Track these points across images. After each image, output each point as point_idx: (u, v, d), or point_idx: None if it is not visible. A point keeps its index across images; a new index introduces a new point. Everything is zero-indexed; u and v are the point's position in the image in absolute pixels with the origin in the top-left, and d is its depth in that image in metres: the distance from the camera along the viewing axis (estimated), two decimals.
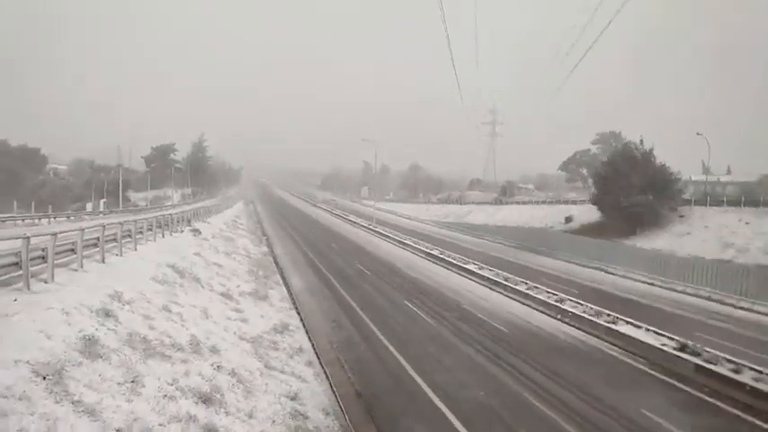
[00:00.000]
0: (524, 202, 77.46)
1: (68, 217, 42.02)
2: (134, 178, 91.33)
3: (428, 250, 39.93)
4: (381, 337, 17.73)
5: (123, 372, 8.64)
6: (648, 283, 30.59)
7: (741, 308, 24.65)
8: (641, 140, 47.02)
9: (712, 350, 15.51)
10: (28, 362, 7.32)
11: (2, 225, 30.48)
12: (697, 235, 40.01)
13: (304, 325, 18.73)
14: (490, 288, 27.03)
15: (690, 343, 16.03)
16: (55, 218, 39.37)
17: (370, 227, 59.13)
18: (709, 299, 26.55)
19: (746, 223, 38.47)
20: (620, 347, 17.41)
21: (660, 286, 29.74)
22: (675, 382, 14.42)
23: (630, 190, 43.32)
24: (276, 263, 32.88)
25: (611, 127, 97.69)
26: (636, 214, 43.81)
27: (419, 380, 13.84)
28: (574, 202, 63.97)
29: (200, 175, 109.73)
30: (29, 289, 10.45)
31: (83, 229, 14.53)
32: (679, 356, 15.57)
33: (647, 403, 12.63)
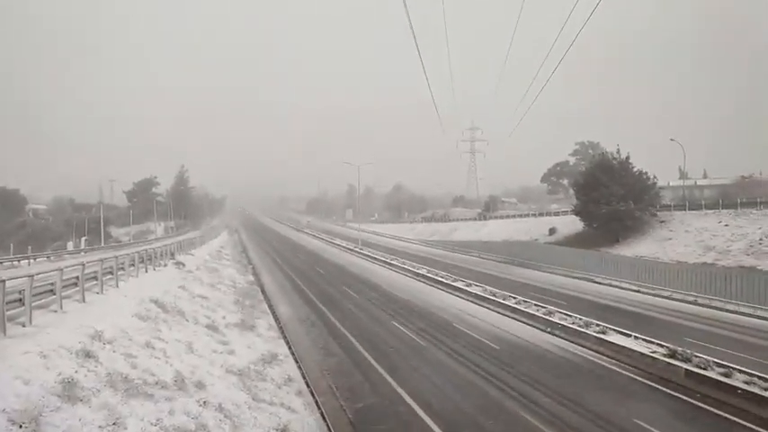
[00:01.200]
0: (508, 216, 78.08)
1: (48, 257, 41.20)
2: (116, 214, 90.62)
3: (415, 270, 39.88)
4: (372, 362, 17.50)
5: (104, 414, 8.38)
6: (635, 291, 30.81)
7: (727, 310, 24.89)
8: (618, 149, 47.91)
9: (702, 355, 15.59)
10: (3, 410, 7.08)
11: None
12: (679, 239, 40.58)
13: (293, 353, 18.46)
14: (479, 304, 26.97)
15: (679, 349, 16.10)
16: (35, 258, 38.57)
17: (356, 249, 58.96)
18: (695, 303, 26.78)
19: (726, 225, 39.20)
20: (610, 357, 17.40)
21: (646, 293, 29.98)
22: (667, 390, 14.40)
23: (610, 198, 43.95)
24: (263, 291, 32.54)
25: (590, 137, 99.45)
26: (617, 222, 44.39)
27: (412, 402, 13.63)
28: (556, 214, 64.63)
29: (183, 206, 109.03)
30: (5, 334, 10.18)
31: (61, 269, 14.28)
32: (670, 363, 15.61)
33: (639, 412, 12.58)
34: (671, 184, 65.88)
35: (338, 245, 68.49)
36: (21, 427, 6.95)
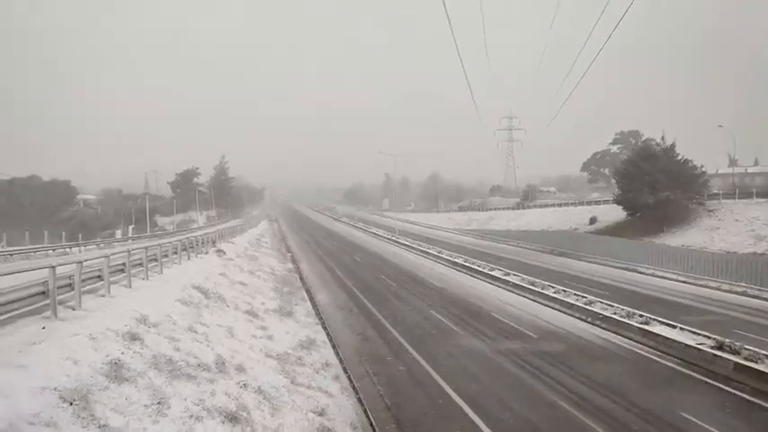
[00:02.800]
0: (547, 205, 76.59)
1: (98, 245, 42.99)
2: (160, 204, 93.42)
3: (452, 259, 39.66)
4: (409, 348, 17.55)
5: (149, 394, 8.69)
6: (680, 281, 29.81)
7: None
8: (662, 137, 46.30)
9: (752, 347, 14.95)
10: (55, 388, 7.40)
11: (33, 256, 31.30)
12: (727, 229, 38.95)
13: (330, 340, 18.68)
14: (517, 294, 26.63)
15: (727, 341, 15.47)
16: (85, 246, 40.35)
17: (393, 238, 59.07)
18: (744, 294, 25.71)
19: None
20: (654, 348, 16.90)
21: (692, 283, 28.95)
22: (714, 383, 13.89)
23: (654, 187, 42.52)
24: (301, 279, 33.01)
25: (631, 126, 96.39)
26: (662, 211, 42.94)
27: (448, 389, 13.62)
28: (597, 203, 63.09)
29: (224, 196, 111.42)
30: (56, 317, 10.63)
31: (108, 256, 14.79)
32: (717, 355, 15.03)
33: (685, 405, 12.19)
34: (720, 171, 63.29)
35: (375, 234, 68.77)
36: (71, 404, 7.26)
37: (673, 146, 45.48)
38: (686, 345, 16.15)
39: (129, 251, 17.01)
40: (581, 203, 68.40)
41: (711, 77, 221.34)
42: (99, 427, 7.05)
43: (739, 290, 26.34)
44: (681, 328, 17.64)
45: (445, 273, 35.15)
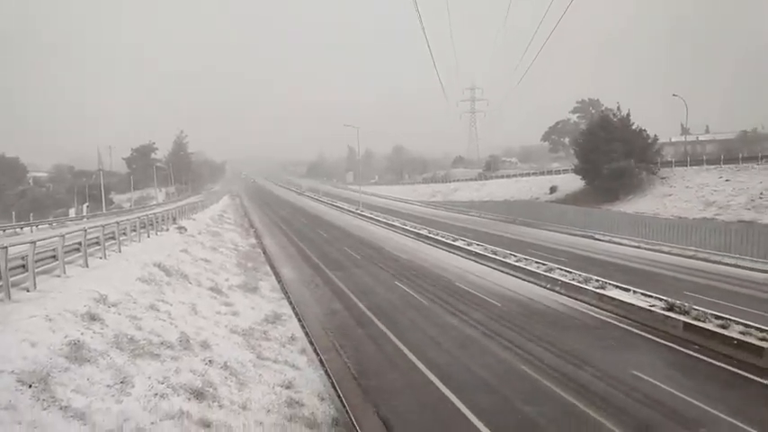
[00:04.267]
0: (509, 176, 77.87)
1: (51, 224, 41.49)
2: (116, 180, 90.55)
3: (416, 230, 40.04)
4: (374, 319, 17.77)
5: (112, 374, 8.58)
6: (634, 246, 31.02)
7: (726, 264, 25.11)
8: (618, 107, 47.41)
9: (700, 308, 15.74)
10: (12, 371, 7.24)
11: None
12: (679, 195, 40.53)
13: (296, 313, 18.71)
14: (480, 263, 27.19)
15: (678, 302, 16.24)
16: (37, 226, 38.88)
17: (357, 211, 59.08)
18: (694, 257, 26.97)
19: (726, 180, 39.03)
20: (609, 311, 17.63)
21: (646, 248, 30.19)
22: (665, 342, 14.64)
23: (611, 156, 43.69)
24: (265, 254, 32.77)
25: (591, 95, 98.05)
26: (617, 180, 44.26)
27: (415, 359, 13.89)
28: (557, 173, 64.49)
29: (184, 172, 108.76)
30: (10, 299, 10.31)
31: (63, 235, 14.33)
32: (668, 316, 15.79)
33: (636, 364, 12.82)
34: (672, 140, 65.35)
35: (339, 207, 68.61)
36: (30, 386, 7.11)
37: (628, 115, 46.65)
38: (639, 307, 16.91)
39: (84, 229, 16.49)
40: (542, 173, 69.78)
41: (669, 48, 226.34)
42: (60, 409, 6.94)
43: (689, 254, 27.61)
44: (634, 292, 18.42)
45: (410, 245, 35.49)
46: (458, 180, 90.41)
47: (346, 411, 10.89)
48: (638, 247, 30.69)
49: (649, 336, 15.24)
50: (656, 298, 17.38)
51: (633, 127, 46.26)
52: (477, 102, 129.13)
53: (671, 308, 16.10)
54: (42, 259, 13.55)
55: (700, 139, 71.50)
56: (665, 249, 29.18)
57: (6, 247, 10.58)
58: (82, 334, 9.48)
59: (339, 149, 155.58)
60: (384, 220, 48.91)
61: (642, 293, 18.16)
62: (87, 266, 15.29)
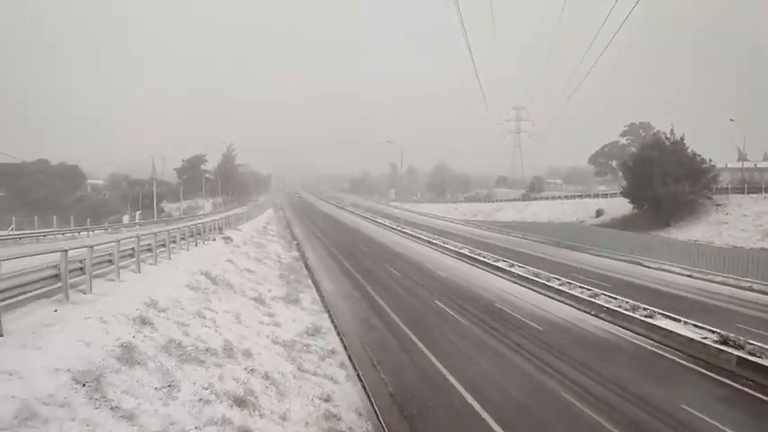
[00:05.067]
0: (553, 197, 76.49)
1: (106, 229, 43.32)
2: (167, 190, 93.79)
3: (457, 249, 39.73)
4: (413, 337, 17.71)
5: (160, 377, 8.87)
6: (686, 275, 29.78)
7: None
8: (672, 130, 45.99)
9: (756, 342, 14.97)
10: (68, 370, 7.58)
11: (43, 240, 31.62)
12: (735, 224, 38.84)
13: (335, 327, 18.86)
14: (522, 285, 26.72)
15: (731, 335, 15.52)
16: (93, 231, 40.66)
17: (399, 228, 59.18)
18: (750, 289, 25.68)
19: None
20: (658, 342, 16.98)
21: (698, 278, 28.92)
22: (717, 377, 13.98)
23: (663, 180, 42.34)
24: (307, 267, 33.21)
25: (641, 118, 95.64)
26: (669, 205, 42.81)
27: (452, 379, 13.75)
28: (604, 196, 62.97)
29: (231, 183, 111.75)
30: (68, 300, 10.81)
31: (118, 241, 14.97)
32: (721, 350, 15.08)
33: (686, 398, 12.27)
34: (729, 166, 62.81)
35: (381, 223, 68.89)
36: (84, 385, 7.42)
37: (682, 139, 45.20)
38: (690, 338, 16.21)
39: (138, 236, 17.17)
40: (587, 196, 68.27)
41: (722, 72, 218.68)
42: (111, 409, 7.22)
43: (745, 285, 26.31)
44: (685, 322, 17.68)
45: (450, 263, 35.25)
46: (500, 200, 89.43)
47: (382, 428, 10.88)
48: (690, 276, 29.45)
49: (700, 369, 14.58)
50: (708, 330, 16.63)
51: (687, 151, 44.75)
52: (522, 122, 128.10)
53: (724, 341, 15.39)
54: (99, 263, 14.17)
55: (758, 165, 68.47)
56: (719, 279, 27.88)
57: (66, 251, 11.15)
58: (133, 337, 9.85)
59: (381, 165, 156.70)
60: (425, 238, 48.80)
61: (693, 324, 17.41)
62: (140, 272, 15.89)
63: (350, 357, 15.54)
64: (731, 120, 52.82)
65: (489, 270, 31.58)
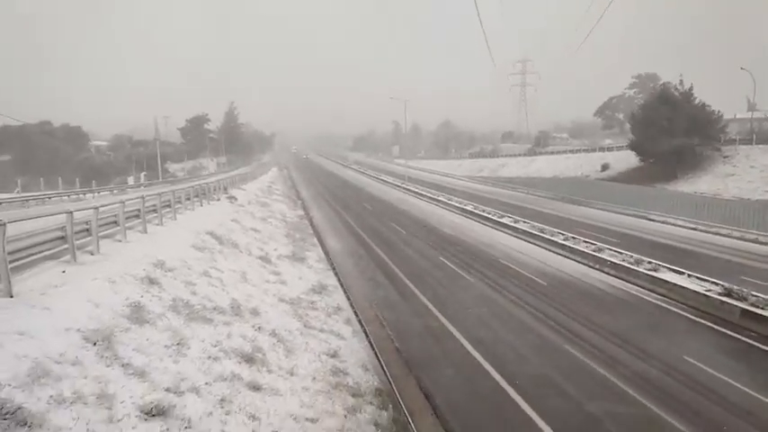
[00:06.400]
0: (559, 152, 75.67)
1: (111, 191, 43.41)
2: (171, 150, 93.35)
3: (462, 206, 39.71)
4: (418, 294, 17.89)
5: (169, 335, 9.02)
6: (691, 228, 29.74)
7: None
8: (681, 80, 44.95)
9: (760, 294, 15.04)
10: (78, 329, 7.70)
11: (48, 202, 31.75)
12: (743, 175, 38.51)
13: (341, 284, 19.06)
14: (527, 241, 26.79)
15: (735, 287, 15.58)
16: (99, 192, 40.77)
17: (403, 186, 59.03)
18: (756, 241, 25.65)
19: None
20: (662, 295, 17.11)
21: (704, 231, 28.90)
22: (721, 328, 14.12)
23: (671, 132, 41.71)
24: (312, 225, 33.34)
25: (648, 69, 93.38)
26: (676, 157, 42.36)
27: (457, 334, 13.96)
28: (610, 149, 62.34)
29: (234, 143, 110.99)
30: (75, 261, 10.90)
31: (123, 202, 14.98)
32: (724, 302, 15.18)
33: (690, 350, 12.43)
34: (738, 116, 61.58)
35: (385, 181, 68.70)
36: (95, 344, 7.56)
37: (691, 89, 44.24)
38: (694, 291, 16.31)
39: (143, 197, 17.18)
40: (593, 150, 67.55)
41: (731, 19, 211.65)
42: (122, 366, 7.37)
43: (751, 237, 26.27)
44: (689, 275, 17.75)
45: (455, 220, 35.29)
46: (505, 156, 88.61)
47: (389, 382, 11.12)
48: (695, 229, 29.40)
49: (704, 321, 14.73)
50: (712, 282, 16.70)
51: (696, 102, 43.86)
52: (528, 75, 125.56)
53: (728, 293, 15.49)
54: (105, 224, 14.24)
55: None
56: (724, 232, 27.82)
57: (72, 212, 11.16)
58: (141, 297, 9.98)
59: (386, 122, 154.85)
60: (429, 195, 48.71)
61: (697, 277, 17.47)
62: (146, 232, 15.98)
63: (356, 314, 15.76)
64: (742, 68, 51.36)
65: (494, 226, 31.61)
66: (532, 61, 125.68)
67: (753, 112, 59.06)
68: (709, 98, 44.68)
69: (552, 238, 25.42)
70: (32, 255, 10.28)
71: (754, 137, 45.86)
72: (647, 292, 17.63)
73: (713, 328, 14.18)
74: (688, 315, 15.31)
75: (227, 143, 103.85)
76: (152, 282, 11.02)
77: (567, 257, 22.83)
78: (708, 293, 15.87)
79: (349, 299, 17.29)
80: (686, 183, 41.26)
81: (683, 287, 16.79)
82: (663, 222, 32.06)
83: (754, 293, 15.04)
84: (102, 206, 14.01)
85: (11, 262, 8.82)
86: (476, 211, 36.41)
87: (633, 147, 47.96)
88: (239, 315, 11.85)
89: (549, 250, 24.41)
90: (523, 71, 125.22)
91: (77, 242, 11.53)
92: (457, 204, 40.89)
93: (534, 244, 25.94)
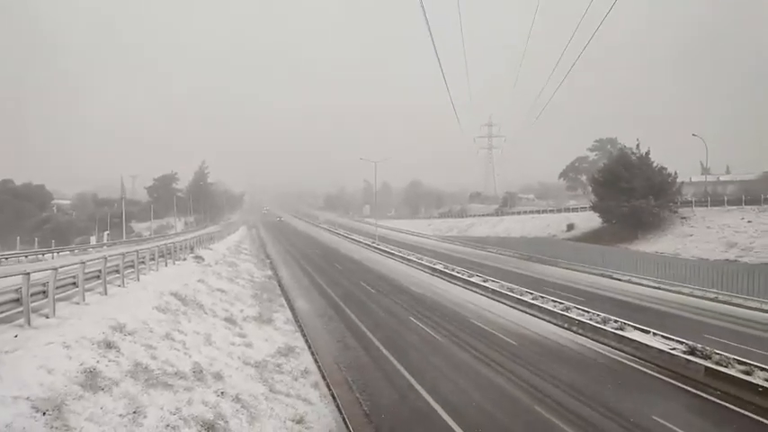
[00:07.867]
0: (526, 212, 77.58)
1: (72, 251, 42.17)
2: (137, 209, 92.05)
3: (432, 265, 39.83)
4: (388, 356, 17.58)
5: (125, 403, 8.60)
6: (654, 287, 30.43)
7: (749, 307, 24.45)
8: (637, 144, 47.22)
9: (723, 352, 15.33)
10: (28, 398, 7.30)
11: (5, 263, 30.58)
12: (700, 236, 39.91)
13: (309, 347, 18.61)
14: (496, 300, 26.90)
15: (699, 346, 15.87)
16: (58, 252, 39.54)
17: (374, 245, 59.11)
18: (716, 300, 26.36)
19: (749, 221, 38.46)
20: (628, 354, 17.25)
21: (666, 289, 29.58)
22: (686, 387, 14.24)
23: (629, 194, 43.37)
24: (280, 285, 32.81)
25: (611, 133, 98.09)
26: (636, 218, 43.80)
27: (428, 398, 13.67)
28: (575, 210, 64.19)
29: (203, 202, 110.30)
30: (29, 325, 10.45)
31: (84, 263, 14.58)
32: (689, 360, 15.40)
33: (657, 409, 12.46)
34: (693, 179, 64.75)
35: (355, 240, 68.71)
36: (44, 414, 7.15)
37: (647, 153, 46.38)
38: (659, 350, 16.53)
39: (105, 257, 16.76)
40: (559, 211, 69.49)
41: (688, 88, 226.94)
42: None
43: (711, 296, 27.00)
44: (654, 334, 18.03)
45: (425, 279, 35.29)
46: (474, 215, 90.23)
47: None
48: (658, 288, 30.11)
49: (670, 380, 14.84)
50: (676, 341, 16.98)
51: (653, 165, 45.94)
52: (495, 138, 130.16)
53: (692, 351, 15.74)
54: (63, 286, 13.76)
55: (720, 179, 70.81)
56: (686, 291, 28.57)
57: (29, 274, 10.80)
58: (97, 362, 9.55)
59: (356, 180, 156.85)
60: (400, 254, 48.82)
61: (662, 336, 17.76)
62: (106, 294, 15.48)
63: (324, 377, 15.33)
64: (694, 135, 54.53)
65: (464, 285, 31.71)
66: (498, 125, 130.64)
67: (706, 176, 62.21)
68: (667, 161, 46.92)
69: (521, 297, 25.60)
70: None
71: (709, 199, 48.09)
72: (614, 350, 17.76)
73: (680, 387, 14.29)
74: (655, 374, 15.41)
75: (195, 202, 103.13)
76: (109, 346, 10.58)
77: (536, 316, 22.94)
78: (673, 352, 16.10)
79: (317, 361, 16.84)
80: (647, 243, 42.52)
81: (649, 346, 17.01)
82: (627, 282, 32.75)
83: (716, 351, 15.32)
84: (62, 267, 13.60)
85: None
86: (446, 270, 36.54)
87: (595, 208, 49.54)
88: (201, 380, 11.39)
89: (519, 309, 24.52)
90: (490, 134, 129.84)
91: (33, 305, 11.10)
92: (427, 264, 41.01)
93: (504, 303, 26.05)
